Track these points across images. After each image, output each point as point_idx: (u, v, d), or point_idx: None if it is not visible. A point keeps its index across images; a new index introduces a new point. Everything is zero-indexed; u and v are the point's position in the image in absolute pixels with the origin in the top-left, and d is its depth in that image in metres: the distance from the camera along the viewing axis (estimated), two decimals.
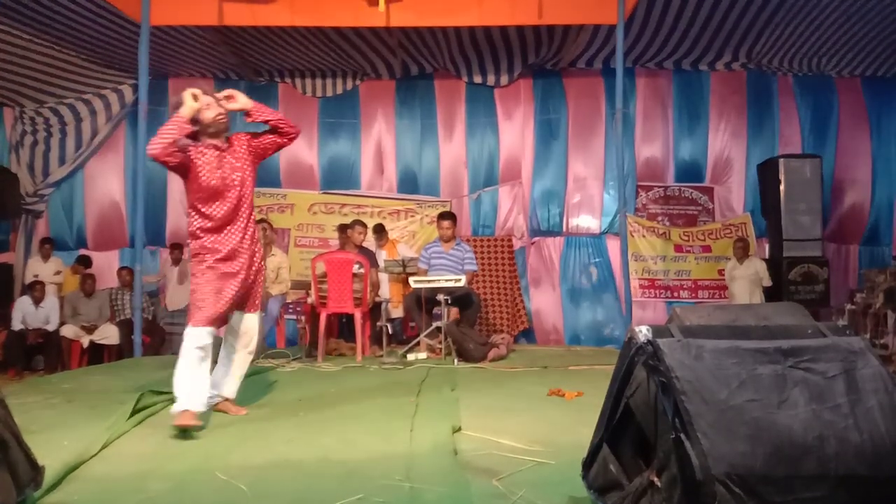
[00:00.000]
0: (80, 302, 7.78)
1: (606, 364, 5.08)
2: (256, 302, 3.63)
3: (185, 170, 3.37)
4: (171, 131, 3.25)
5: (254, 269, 3.55)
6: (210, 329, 3.31)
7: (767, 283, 7.54)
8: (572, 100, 8.73)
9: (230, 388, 3.62)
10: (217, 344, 3.50)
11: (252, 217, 3.56)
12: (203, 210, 3.41)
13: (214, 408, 3.53)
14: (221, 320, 3.45)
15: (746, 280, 7.52)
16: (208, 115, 3.39)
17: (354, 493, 2.18)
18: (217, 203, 3.42)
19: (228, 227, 3.44)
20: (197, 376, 3.24)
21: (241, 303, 3.54)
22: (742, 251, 7.66)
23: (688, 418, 1.61)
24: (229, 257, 3.42)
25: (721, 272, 8.37)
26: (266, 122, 3.60)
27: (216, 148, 3.45)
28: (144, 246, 7.21)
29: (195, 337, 3.26)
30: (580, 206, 8.74)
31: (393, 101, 8.88)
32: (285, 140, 3.69)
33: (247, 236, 3.50)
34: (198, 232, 3.42)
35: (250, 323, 3.62)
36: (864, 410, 1.72)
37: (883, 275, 7.22)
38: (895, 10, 6.79)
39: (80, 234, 8.85)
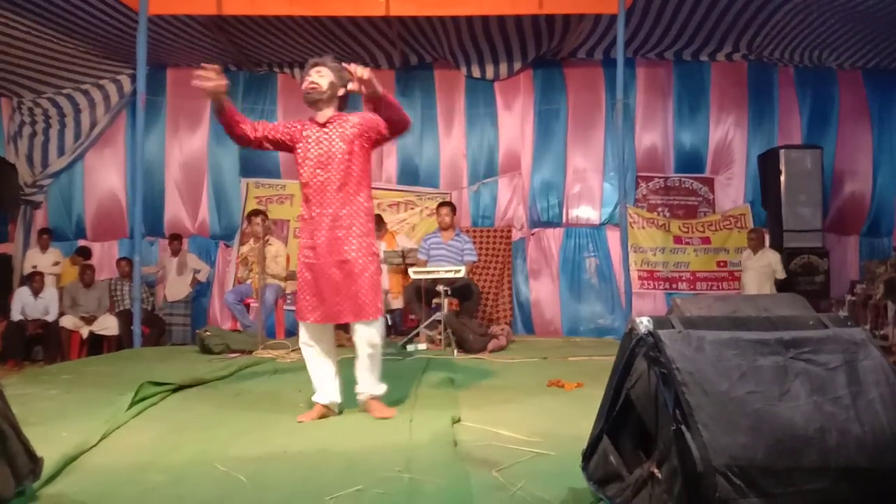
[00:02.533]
0: (80, 293, 7.78)
1: (606, 355, 5.09)
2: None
3: (281, 146, 3.32)
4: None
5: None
6: (306, 324, 3.26)
7: (781, 275, 7.50)
8: (572, 90, 8.70)
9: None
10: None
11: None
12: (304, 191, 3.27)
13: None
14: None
15: (757, 271, 7.51)
16: (304, 84, 3.25)
17: (354, 484, 2.18)
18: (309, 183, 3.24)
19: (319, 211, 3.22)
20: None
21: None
22: (756, 242, 7.64)
23: (688, 410, 1.61)
24: (314, 247, 3.22)
25: (720, 264, 8.39)
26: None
27: (316, 123, 3.28)
28: (143, 237, 7.20)
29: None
30: (580, 198, 8.72)
31: (393, 91, 8.83)
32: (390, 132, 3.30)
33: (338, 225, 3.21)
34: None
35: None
36: (865, 402, 1.71)
37: (883, 266, 7.22)
38: None
39: (80, 224, 8.84)
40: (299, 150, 3.27)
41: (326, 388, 3.27)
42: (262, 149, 3.39)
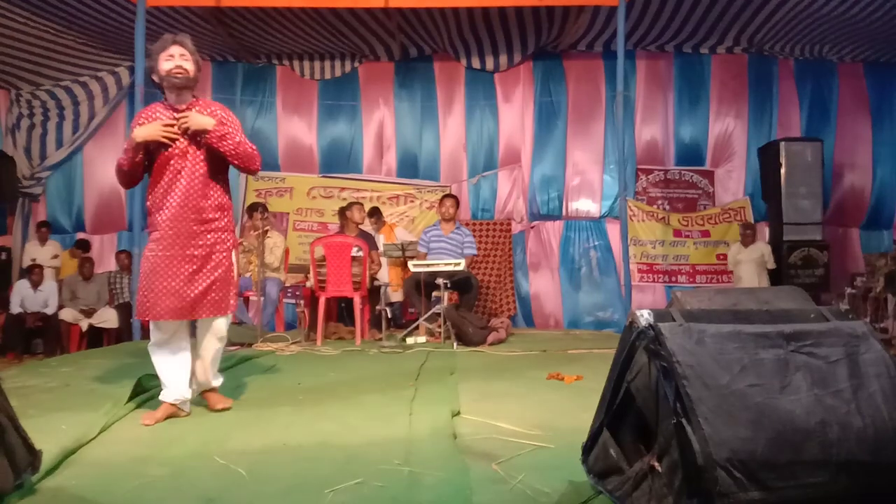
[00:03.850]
0: (79, 285, 7.77)
1: (605, 348, 5.09)
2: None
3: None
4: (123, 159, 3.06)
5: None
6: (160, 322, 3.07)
7: (772, 265, 7.55)
8: (572, 83, 8.68)
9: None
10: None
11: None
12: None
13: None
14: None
15: (753, 263, 7.52)
16: (166, 66, 3.08)
17: (353, 477, 2.18)
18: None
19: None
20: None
21: None
22: (749, 237, 7.64)
23: (689, 403, 1.60)
24: (163, 238, 3.08)
25: (720, 257, 8.37)
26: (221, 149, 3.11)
27: (173, 109, 3.13)
28: (143, 229, 7.17)
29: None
30: (580, 190, 8.71)
31: (392, 83, 8.82)
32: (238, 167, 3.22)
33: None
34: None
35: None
36: (866, 395, 1.71)
37: (884, 259, 7.22)
38: None
39: (79, 217, 8.83)
40: (151, 144, 3.07)
41: (177, 386, 3.11)
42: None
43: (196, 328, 3.24)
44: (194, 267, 3.05)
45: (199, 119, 3.07)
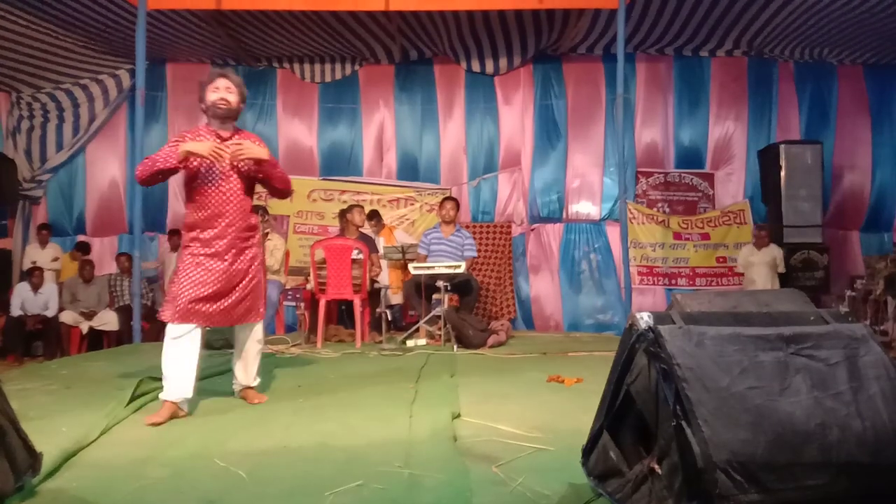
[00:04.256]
0: (79, 288, 7.77)
1: (605, 350, 5.09)
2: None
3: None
4: (157, 161, 3.25)
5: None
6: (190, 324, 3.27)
7: (782, 269, 7.52)
8: (572, 86, 8.69)
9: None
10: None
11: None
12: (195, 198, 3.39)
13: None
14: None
15: (765, 266, 7.46)
16: (211, 97, 3.35)
17: (354, 479, 2.18)
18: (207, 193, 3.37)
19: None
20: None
21: None
22: (764, 239, 7.57)
23: (689, 406, 1.60)
24: (216, 254, 3.37)
25: (719, 260, 8.37)
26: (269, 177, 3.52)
27: (217, 136, 3.38)
28: (143, 232, 7.18)
29: None
30: (580, 193, 8.71)
31: (392, 86, 8.83)
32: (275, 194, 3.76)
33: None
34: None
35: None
36: (866, 398, 1.72)
37: (883, 261, 7.22)
38: None
39: (80, 220, 8.83)
40: (194, 160, 3.29)
41: (182, 384, 3.20)
42: None
43: (228, 334, 3.62)
44: (239, 279, 3.41)
45: (255, 148, 3.39)
